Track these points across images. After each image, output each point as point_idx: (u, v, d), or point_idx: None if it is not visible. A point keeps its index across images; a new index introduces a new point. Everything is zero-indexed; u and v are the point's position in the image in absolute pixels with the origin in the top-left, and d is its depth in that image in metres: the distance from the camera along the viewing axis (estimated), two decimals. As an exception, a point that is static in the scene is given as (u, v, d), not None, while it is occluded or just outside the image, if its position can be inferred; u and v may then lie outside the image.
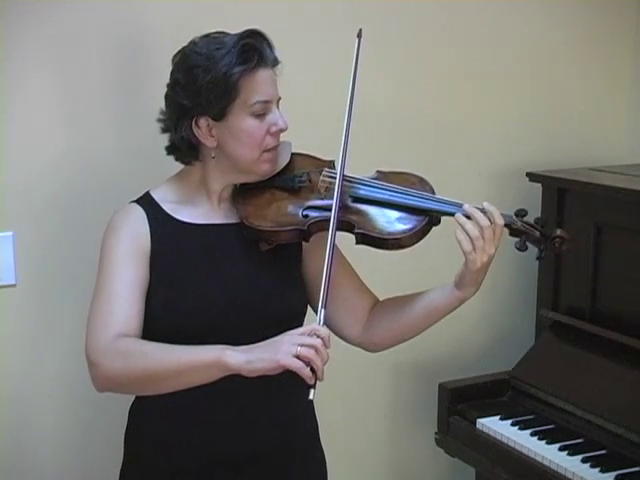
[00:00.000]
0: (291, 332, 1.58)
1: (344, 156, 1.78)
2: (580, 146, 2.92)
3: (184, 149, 1.80)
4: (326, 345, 1.57)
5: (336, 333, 1.92)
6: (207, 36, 1.77)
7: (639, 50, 2.96)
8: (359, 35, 1.84)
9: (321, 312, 1.62)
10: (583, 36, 2.89)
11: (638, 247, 2.40)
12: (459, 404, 2.55)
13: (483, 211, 1.72)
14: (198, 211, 1.82)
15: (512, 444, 2.35)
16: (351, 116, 1.80)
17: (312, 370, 1.53)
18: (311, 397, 1.55)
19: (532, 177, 2.65)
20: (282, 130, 1.78)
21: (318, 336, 1.56)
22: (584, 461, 2.23)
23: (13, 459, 2.27)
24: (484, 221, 1.70)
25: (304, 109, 2.38)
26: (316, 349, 1.54)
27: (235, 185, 1.85)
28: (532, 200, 2.51)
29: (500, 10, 2.73)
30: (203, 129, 1.76)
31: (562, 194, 2.58)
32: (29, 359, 2.25)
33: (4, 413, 2.24)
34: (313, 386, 1.55)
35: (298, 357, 1.53)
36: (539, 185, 2.64)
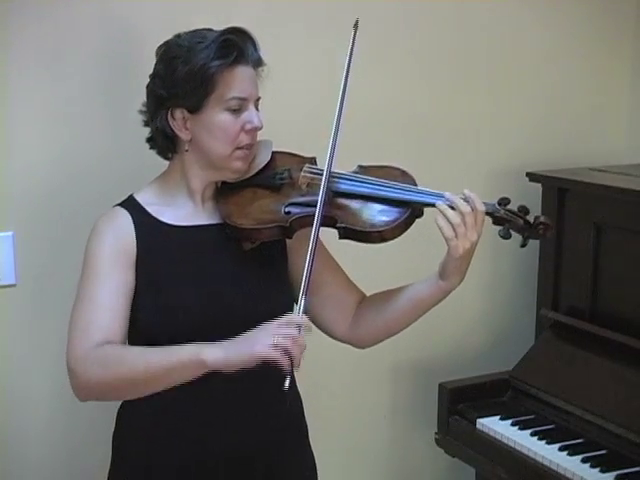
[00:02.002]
0: (268, 323, 1.59)
1: (332, 150, 1.78)
2: (580, 146, 2.92)
3: (160, 140, 1.81)
4: (304, 332, 1.58)
5: (323, 330, 1.93)
6: (193, 31, 1.78)
7: (639, 50, 2.96)
8: (355, 25, 1.84)
9: (301, 300, 1.62)
10: (583, 36, 2.89)
11: (638, 247, 2.40)
12: (459, 404, 2.54)
13: (464, 198, 1.72)
14: (182, 212, 1.82)
15: (512, 444, 2.35)
16: (342, 110, 1.79)
17: (290, 359, 1.55)
18: (286, 386, 1.55)
19: (532, 177, 2.65)
20: (257, 129, 1.78)
21: (295, 325, 1.57)
22: (584, 461, 2.23)
23: (12, 459, 2.27)
24: (465, 207, 1.70)
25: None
26: (293, 338, 1.55)
27: (217, 184, 1.85)
28: (532, 200, 2.50)
29: (499, 10, 2.73)
30: (178, 121, 1.77)
31: (562, 194, 2.58)
32: (29, 359, 2.25)
33: (3, 413, 2.24)
34: (289, 374, 1.56)
35: (276, 347, 1.54)
36: (539, 185, 2.64)
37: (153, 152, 1.89)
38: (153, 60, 1.81)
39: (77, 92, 2.20)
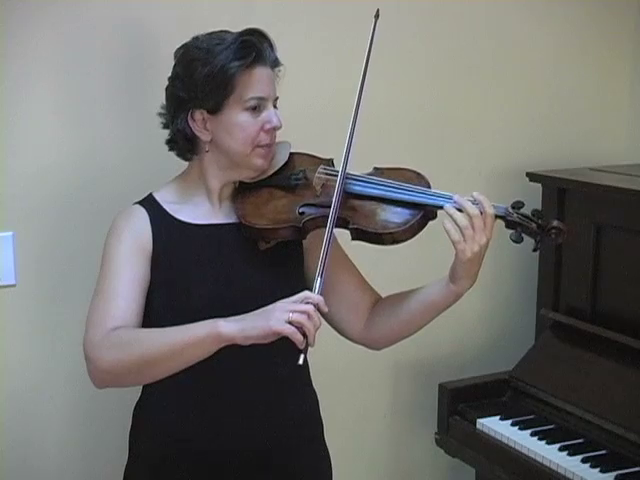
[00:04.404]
0: (283, 300, 1.60)
1: (347, 151, 1.79)
2: (580, 146, 2.92)
3: (180, 142, 1.82)
4: (320, 310, 1.59)
5: (338, 331, 1.94)
6: (211, 33, 1.80)
7: (639, 50, 2.96)
8: (376, 16, 1.85)
9: (317, 280, 1.63)
10: (583, 36, 2.89)
11: (638, 247, 2.40)
12: (459, 404, 2.55)
13: (473, 201, 1.72)
14: (199, 211, 1.84)
15: (512, 444, 2.35)
16: (360, 101, 1.80)
17: (304, 336, 1.55)
18: (300, 362, 1.56)
19: (532, 177, 2.65)
20: (276, 128, 1.80)
21: (310, 302, 1.58)
22: (584, 461, 2.23)
23: (15, 460, 2.26)
24: (474, 210, 1.69)
25: (306, 108, 2.39)
26: (308, 315, 1.56)
27: (234, 184, 1.86)
28: (532, 200, 2.51)
29: (501, 10, 2.73)
30: (198, 122, 1.78)
31: (562, 194, 2.58)
32: (29, 359, 2.25)
33: (4, 413, 2.24)
34: (303, 351, 1.56)
35: (290, 323, 1.55)
36: (539, 185, 2.64)
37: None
38: (169, 62, 1.82)
39: (79, 93, 2.20)
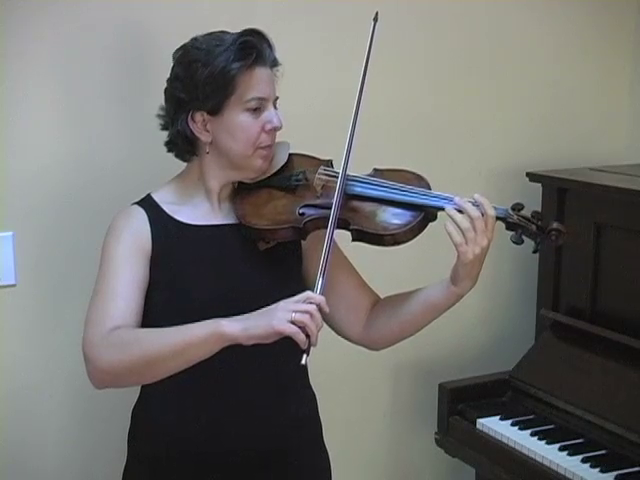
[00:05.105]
0: (286, 300, 1.59)
1: (348, 153, 1.79)
2: (580, 146, 2.92)
3: (180, 143, 1.81)
4: (322, 310, 1.58)
5: (337, 331, 1.94)
6: (209, 34, 1.79)
7: (639, 50, 2.96)
8: (375, 19, 1.84)
9: (319, 280, 1.63)
10: (583, 36, 2.89)
11: (638, 247, 2.40)
12: (459, 404, 2.55)
13: (474, 203, 1.71)
14: (198, 212, 1.83)
15: (512, 444, 2.35)
16: (359, 109, 1.80)
17: (306, 335, 1.55)
18: (303, 362, 1.55)
19: (532, 177, 2.65)
20: (277, 129, 1.79)
21: (312, 302, 1.58)
22: (584, 461, 2.23)
23: (14, 460, 2.27)
24: (475, 212, 1.69)
25: (306, 108, 2.39)
26: (310, 315, 1.55)
27: (234, 185, 1.86)
28: (532, 200, 2.51)
29: (501, 10, 2.73)
30: (198, 124, 1.78)
31: (562, 194, 2.58)
32: (29, 359, 2.25)
33: (4, 413, 2.24)
34: (306, 351, 1.56)
35: (293, 323, 1.54)
36: (539, 185, 2.64)
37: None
38: (169, 62, 1.82)
39: (80, 93, 2.20)
